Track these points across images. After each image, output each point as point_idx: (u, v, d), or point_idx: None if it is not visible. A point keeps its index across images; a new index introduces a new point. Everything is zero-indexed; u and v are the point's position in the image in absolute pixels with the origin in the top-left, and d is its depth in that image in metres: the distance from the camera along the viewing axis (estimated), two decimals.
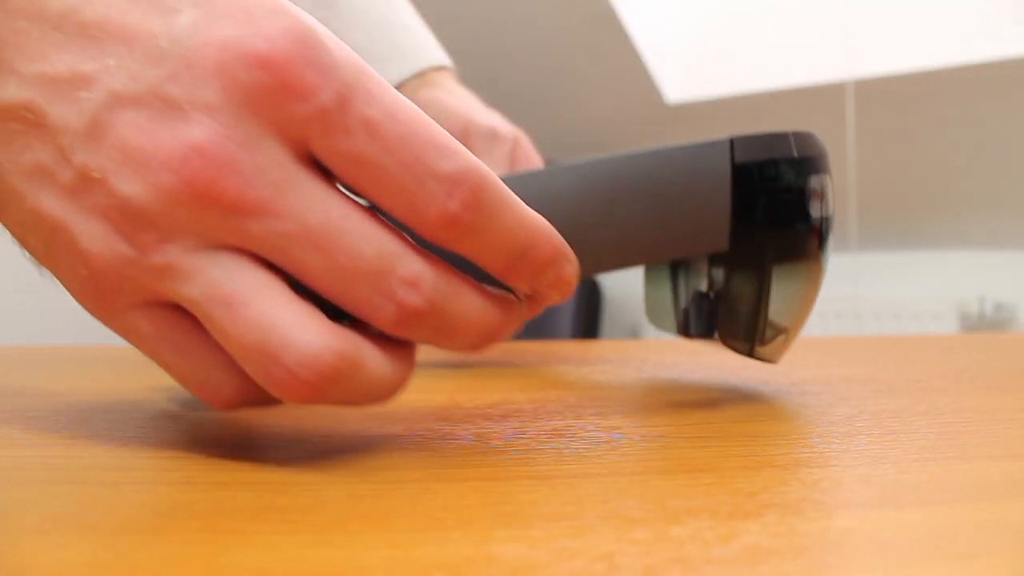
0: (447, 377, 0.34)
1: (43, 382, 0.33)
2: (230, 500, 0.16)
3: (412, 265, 0.18)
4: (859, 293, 2.03)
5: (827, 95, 1.84)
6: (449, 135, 0.18)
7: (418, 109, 0.18)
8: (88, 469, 0.18)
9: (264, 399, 0.19)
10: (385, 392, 0.19)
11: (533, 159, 0.53)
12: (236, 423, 0.23)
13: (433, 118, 0.54)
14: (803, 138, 0.24)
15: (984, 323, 2.01)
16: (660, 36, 1.89)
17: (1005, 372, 0.35)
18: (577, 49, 1.86)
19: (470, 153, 0.18)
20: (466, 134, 0.52)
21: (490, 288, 0.20)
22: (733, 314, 0.26)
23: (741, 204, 0.23)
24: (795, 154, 0.24)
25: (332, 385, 0.17)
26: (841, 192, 1.90)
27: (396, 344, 0.19)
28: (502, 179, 0.21)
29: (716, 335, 0.28)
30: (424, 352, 0.49)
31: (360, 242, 0.17)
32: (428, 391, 0.31)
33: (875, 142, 1.90)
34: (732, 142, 0.23)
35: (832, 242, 0.26)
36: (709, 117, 2.00)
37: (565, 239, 0.22)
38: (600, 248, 0.21)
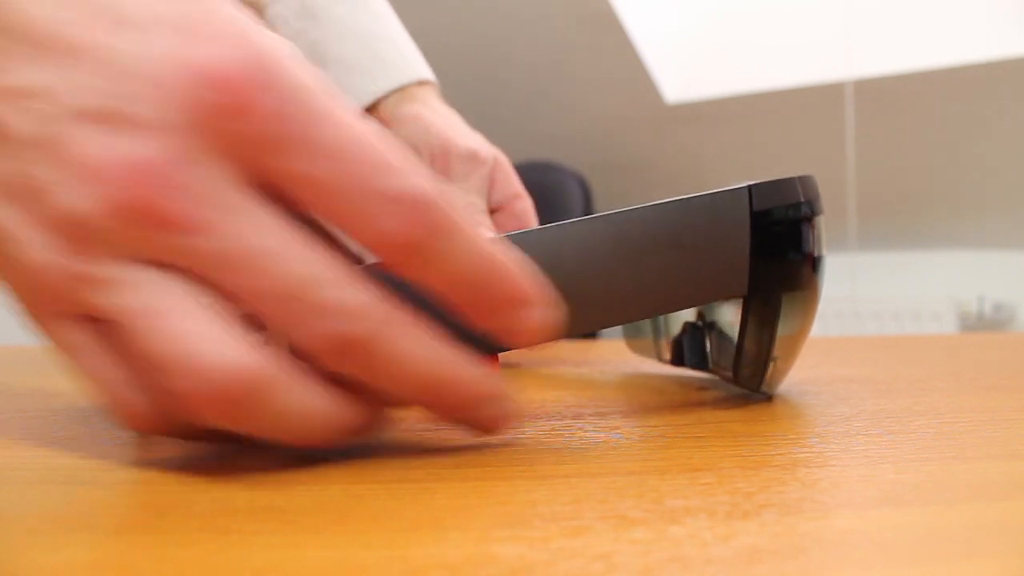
0: None
1: (43, 382, 0.33)
2: (229, 500, 0.16)
3: (346, 293, 0.17)
4: (858, 293, 2.03)
5: (826, 95, 1.84)
6: (407, 155, 0.18)
7: (375, 130, 0.18)
8: (87, 469, 0.18)
9: (181, 430, 0.19)
10: (312, 430, 0.18)
11: (512, 182, 0.53)
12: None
13: (414, 135, 0.52)
14: (806, 181, 0.25)
15: (983, 323, 2.01)
16: (659, 36, 1.89)
17: (1004, 372, 0.35)
18: (576, 48, 1.86)
19: (426, 175, 0.18)
20: (446, 154, 0.52)
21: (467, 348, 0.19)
22: (742, 352, 0.26)
23: (757, 248, 0.24)
24: (801, 197, 0.25)
25: (239, 407, 0.16)
26: (840, 192, 1.90)
27: (352, 387, 0.18)
28: (521, 234, 0.21)
29: (711, 367, 0.30)
30: None
31: (292, 265, 0.17)
32: None
33: (874, 142, 1.90)
34: (750, 190, 0.23)
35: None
36: (708, 117, 2.00)
37: (588, 293, 0.22)
38: (623, 300, 0.22)
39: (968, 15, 1.71)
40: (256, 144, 0.17)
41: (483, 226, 0.50)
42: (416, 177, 0.17)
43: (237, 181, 0.17)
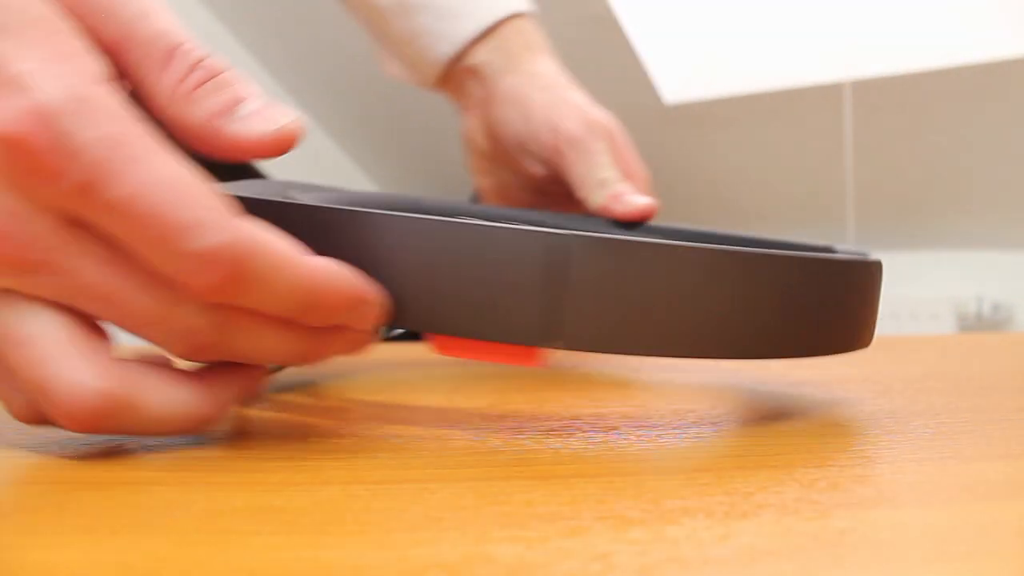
0: (445, 377, 0.34)
1: None
2: (227, 500, 0.16)
3: (186, 318, 0.18)
4: None
5: (825, 96, 1.84)
6: (207, 207, 0.18)
7: (179, 180, 0.18)
8: (86, 470, 0.18)
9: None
10: (178, 423, 0.19)
11: (624, 158, 0.46)
12: (232, 424, 0.23)
13: (515, 125, 0.47)
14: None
15: (982, 323, 2.01)
16: (658, 36, 1.89)
17: (1002, 372, 0.35)
18: (574, 48, 1.86)
19: (232, 223, 0.18)
20: (555, 146, 0.45)
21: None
22: None
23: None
24: None
25: (103, 422, 0.18)
26: (839, 193, 1.90)
27: (207, 379, 0.20)
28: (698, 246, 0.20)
29: None
30: (421, 352, 0.49)
31: (134, 297, 0.18)
32: (425, 391, 0.31)
33: (873, 143, 1.90)
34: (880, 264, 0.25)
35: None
36: (707, 118, 2.00)
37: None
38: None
39: (968, 15, 1.71)
40: (60, 200, 0.17)
41: (625, 193, 0.42)
42: (224, 231, 0.18)
43: (62, 225, 0.18)
